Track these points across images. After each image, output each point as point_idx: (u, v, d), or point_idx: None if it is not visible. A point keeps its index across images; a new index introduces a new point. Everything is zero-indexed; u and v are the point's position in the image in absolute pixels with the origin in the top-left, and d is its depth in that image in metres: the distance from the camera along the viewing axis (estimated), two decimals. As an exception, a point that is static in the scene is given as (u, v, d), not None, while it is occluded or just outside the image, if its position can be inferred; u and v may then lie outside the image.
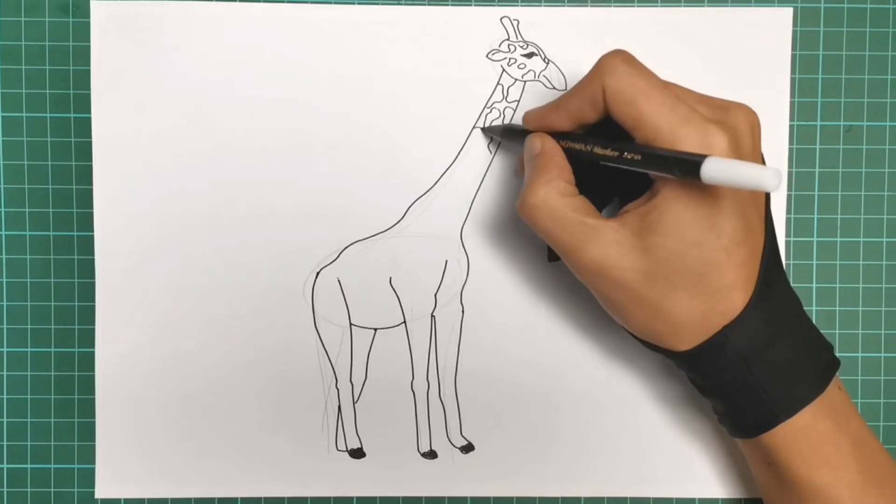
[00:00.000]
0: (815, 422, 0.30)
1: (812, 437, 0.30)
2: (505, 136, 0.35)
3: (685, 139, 0.27)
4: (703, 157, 0.25)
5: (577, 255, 0.29)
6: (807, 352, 0.30)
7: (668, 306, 0.29)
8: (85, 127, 0.37)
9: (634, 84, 0.28)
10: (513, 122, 0.36)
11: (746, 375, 0.29)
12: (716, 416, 0.33)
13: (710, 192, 0.27)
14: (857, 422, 0.31)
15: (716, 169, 0.24)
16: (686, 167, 0.25)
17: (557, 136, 0.31)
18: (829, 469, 0.30)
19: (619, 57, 0.29)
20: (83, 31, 0.37)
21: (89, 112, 0.36)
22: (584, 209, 0.30)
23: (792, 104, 0.37)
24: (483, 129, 0.36)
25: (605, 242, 0.29)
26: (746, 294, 0.28)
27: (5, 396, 0.38)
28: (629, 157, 0.28)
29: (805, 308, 0.38)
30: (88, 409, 0.37)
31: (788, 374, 0.29)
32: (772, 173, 0.23)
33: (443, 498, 0.38)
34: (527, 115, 0.33)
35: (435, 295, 0.37)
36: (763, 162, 0.30)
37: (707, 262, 0.28)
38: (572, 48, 0.37)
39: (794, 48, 0.37)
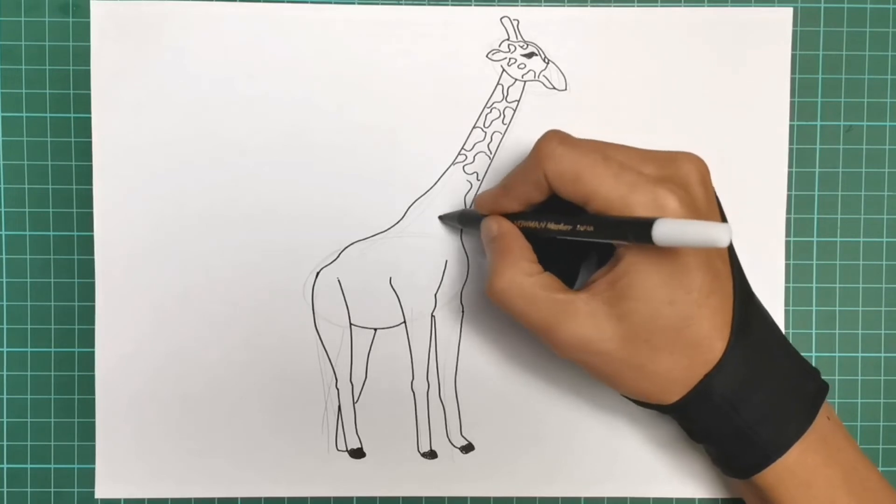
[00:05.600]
0: (804, 458, 0.29)
1: (802, 473, 0.30)
2: (462, 222, 0.35)
3: (636, 205, 0.27)
4: (653, 220, 0.24)
5: (554, 332, 0.29)
6: (792, 387, 0.30)
7: (653, 367, 0.29)
8: (85, 127, 0.37)
9: (575, 163, 0.28)
10: (510, 124, 0.36)
11: (734, 418, 0.29)
12: (709, 458, 0.33)
13: (671, 250, 0.27)
14: (848, 450, 0.31)
15: (666, 231, 0.24)
16: (637, 232, 0.25)
17: (511, 216, 0.31)
18: None
19: (556, 139, 0.29)
20: (83, 31, 0.37)
21: (89, 112, 0.36)
22: (552, 285, 0.30)
23: (792, 104, 0.37)
24: (440, 217, 0.36)
25: (579, 316, 0.29)
26: (724, 340, 0.28)
27: (5, 396, 0.38)
28: (582, 228, 0.28)
29: (805, 308, 0.38)
30: (88, 409, 0.37)
31: (775, 413, 0.29)
32: (721, 229, 0.23)
33: (443, 498, 0.38)
34: (478, 200, 0.33)
35: (435, 295, 0.37)
36: (719, 208, 0.30)
37: (682, 317, 0.28)
38: (572, 48, 0.37)
39: (794, 48, 0.37)
